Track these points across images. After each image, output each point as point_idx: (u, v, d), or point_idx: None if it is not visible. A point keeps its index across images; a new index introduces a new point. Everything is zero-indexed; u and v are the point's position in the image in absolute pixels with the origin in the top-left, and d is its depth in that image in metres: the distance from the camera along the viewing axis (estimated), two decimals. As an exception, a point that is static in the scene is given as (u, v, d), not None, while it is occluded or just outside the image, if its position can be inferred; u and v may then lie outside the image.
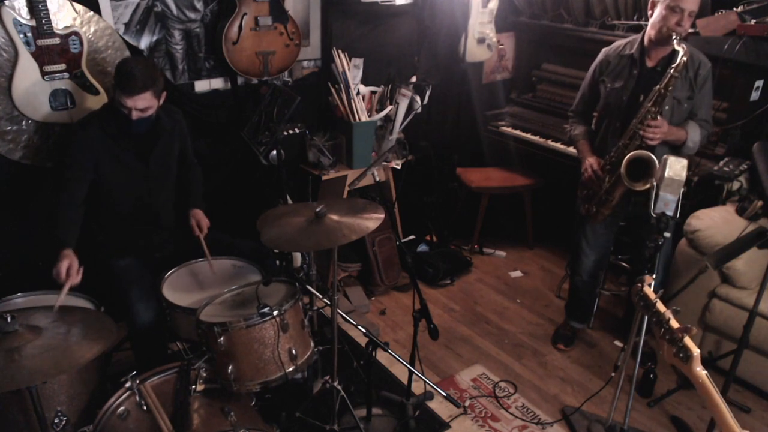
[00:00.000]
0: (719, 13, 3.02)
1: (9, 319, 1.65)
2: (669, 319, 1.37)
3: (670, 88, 2.40)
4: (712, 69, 2.59)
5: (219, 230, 2.64)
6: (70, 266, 2.15)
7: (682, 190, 2.11)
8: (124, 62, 2.26)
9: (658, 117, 2.45)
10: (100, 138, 2.30)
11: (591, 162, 2.71)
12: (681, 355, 1.32)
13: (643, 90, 2.50)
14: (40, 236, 2.68)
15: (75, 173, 2.31)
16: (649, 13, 2.52)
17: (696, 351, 1.29)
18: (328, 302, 2.30)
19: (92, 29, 2.54)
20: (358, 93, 3.22)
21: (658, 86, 2.41)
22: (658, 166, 2.37)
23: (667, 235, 2.13)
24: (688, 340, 1.31)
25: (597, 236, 2.87)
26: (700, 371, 1.26)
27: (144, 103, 2.23)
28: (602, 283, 3.31)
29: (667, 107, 2.51)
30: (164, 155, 2.48)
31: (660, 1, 2.44)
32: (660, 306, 1.46)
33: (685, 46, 2.37)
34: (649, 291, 1.62)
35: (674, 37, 2.38)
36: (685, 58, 2.35)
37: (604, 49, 2.74)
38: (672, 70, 2.36)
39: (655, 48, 2.53)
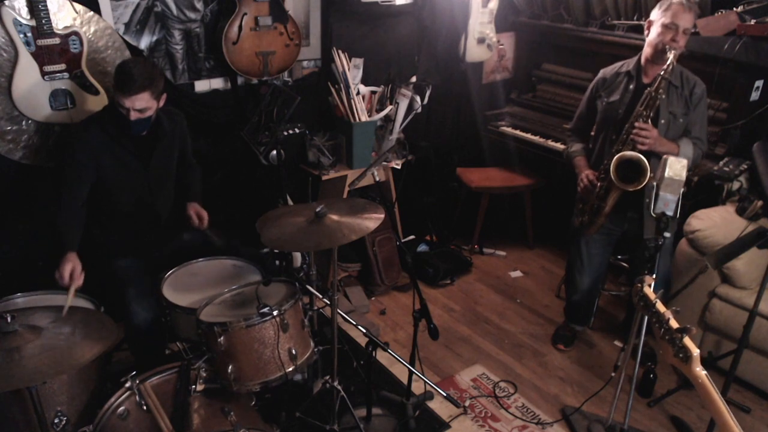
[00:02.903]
0: (719, 13, 3.02)
1: (9, 319, 1.65)
2: (669, 320, 1.37)
3: (661, 91, 2.43)
4: (711, 69, 2.60)
5: (218, 230, 2.64)
6: (73, 269, 2.18)
7: (682, 190, 2.11)
8: (124, 63, 2.26)
9: (649, 122, 2.47)
10: (101, 139, 2.30)
11: (587, 173, 2.74)
12: (681, 355, 1.32)
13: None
14: (41, 236, 2.69)
15: (76, 174, 2.31)
16: (645, 33, 2.58)
17: (696, 351, 1.29)
18: (328, 302, 2.30)
19: (92, 29, 2.54)
20: (358, 93, 3.22)
21: (649, 89, 2.45)
22: (648, 167, 2.38)
23: (667, 235, 2.14)
24: (687, 341, 1.31)
25: (591, 257, 2.88)
26: (700, 371, 1.26)
27: (142, 104, 2.23)
28: (602, 283, 3.31)
29: (662, 121, 2.54)
30: (164, 157, 2.49)
31: (656, 20, 2.50)
32: (660, 306, 1.46)
33: (675, 52, 2.42)
34: (649, 291, 1.62)
35: (669, 49, 2.43)
36: (674, 62, 2.41)
37: (602, 70, 2.79)
38: (663, 73, 2.42)
39: (651, 65, 2.57)
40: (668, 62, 2.39)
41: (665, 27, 2.46)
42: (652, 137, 2.47)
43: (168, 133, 2.47)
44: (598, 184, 2.63)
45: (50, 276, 2.20)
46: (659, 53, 2.48)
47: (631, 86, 2.61)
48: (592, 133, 2.83)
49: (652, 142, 2.48)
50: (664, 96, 2.46)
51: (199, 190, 2.69)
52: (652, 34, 2.52)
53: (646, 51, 2.57)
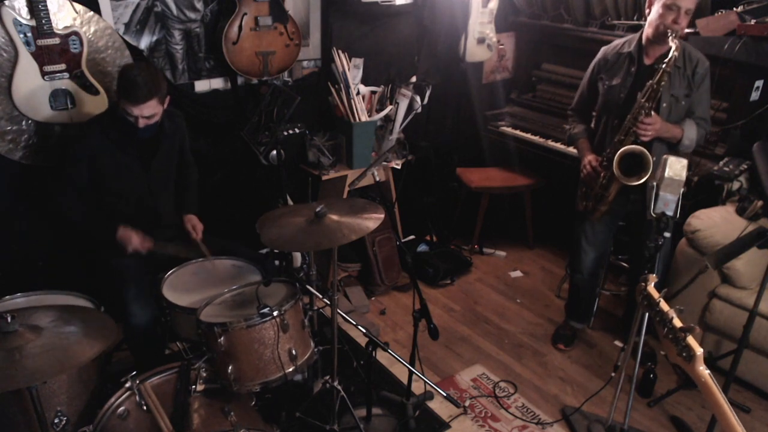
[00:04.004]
0: (719, 13, 3.02)
1: (9, 319, 1.65)
2: (672, 318, 1.37)
3: (663, 83, 2.40)
4: (711, 69, 2.59)
5: (219, 231, 2.63)
6: (134, 235, 2.32)
7: (682, 190, 2.11)
8: (127, 70, 2.23)
9: (652, 113, 2.46)
10: (101, 143, 2.30)
11: (589, 159, 2.73)
12: (684, 354, 1.31)
13: (640, 88, 2.50)
14: (41, 236, 2.69)
15: (71, 176, 2.32)
16: (646, 11, 2.54)
17: (699, 350, 1.28)
18: (328, 302, 2.30)
19: (92, 29, 2.54)
20: (358, 93, 3.22)
21: (650, 81, 2.42)
22: (651, 160, 2.38)
23: (667, 235, 2.14)
24: (691, 340, 1.31)
25: (596, 234, 2.87)
26: (703, 371, 1.25)
27: (150, 111, 2.23)
28: (602, 282, 3.31)
29: (664, 104, 2.52)
30: (165, 159, 2.49)
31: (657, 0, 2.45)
32: (663, 305, 1.45)
33: (678, 42, 2.38)
34: (653, 290, 1.61)
35: (670, 34, 2.38)
36: (676, 53, 2.36)
37: (603, 48, 2.75)
38: (664, 65, 2.37)
39: (652, 46, 2.54)
40: (671, 54, 2.34)
41: (666, 8, 2.39)
42: (655, 129, 2.46)
43: (169, 134, 2.47)
44: (602, 173, 2.63)
45: (50, 276, 2.20)
46: (661, 35, 2.44)
47: (633, 69, 2.58)
48: (594, 113, 2.82)
49: (655, 134, 2.48)
50: (665, 82, 2.42)
51: (195, 199, 2.67)
52: (653, 14, 2.46)
53: (647, 31, 2.52)
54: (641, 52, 2.57)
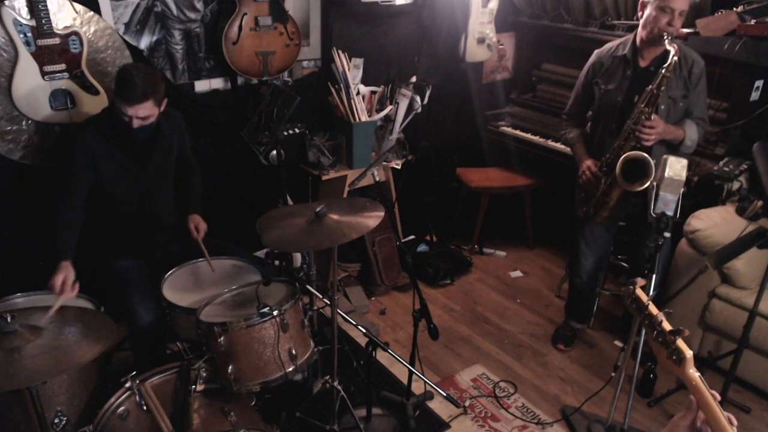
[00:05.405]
0: (719, 13, 3.02)
1: (9, 319, 1.65)
2: (661, 322, 1.36)
3: (663, 88, 2.39)
4: (711, 69, 2.59)
5: (219, 232, 2.63)
6: (65, 280, 2.13)
7: (682, 190, 2.11)
8: (125, 70, 2.22)
9: (653, 116, 2.44)
10: (98, 142, 2.29)
11: (588, 164, 2.71)
12: (674, 357, 1.31)
13: (637, 91, 2.49)
14: (41, 236, 2.69)
15: (74, 176, 2.31)
16: (639, 13, 2.51)
17: (689, 353, 1.28)
18: (328, 302, 2.30)
19: (92, 29, 2.54)
20: (358, 93, 3.22)
21: (650, 86, 2.40)
22: (653, 166, 2.37)
23: (667, 235, 2.14)
24: (680, 342, 1.30)
25: (595, 238, 2.87)
26: (693, 373, 1.25)
27: (145, 112, 2.22)
28: (602, 283, 3.31)
29: (662, 107, 2.51)
30: (163, 160, 2.48)
31: (650, 2, 2.43)
32: (652, 308, 1.45)
33: (676, 45, 2.36)
34: (641, 293, 1.61)
35: (665, 36, 2.37)
36: (676, 58, 2.34)
37: (596, 51, 2.73)
38: (664, 70, 2.36)
39: (647, 48, 2.52)
40: (670, 59, 2.32)
41: (660, 10, 2.37)
42: (657, 133, 2.45)
43: (167, 135, 2.47)
44: (603, 178, 2.62)
45: (50, 276, 2.20)
46: (655, 38, 2.42)
47: (628, 72, 2.57)
48: (590, 113, 2.81)
49: (658, 138, 2.47)
50: (663, 88, 2.41)
51: (199, 199, 2.66)
52: (646, 17, 2.44)
53: (641, 33, 2.50)
54: (636, 54, 2.56)
